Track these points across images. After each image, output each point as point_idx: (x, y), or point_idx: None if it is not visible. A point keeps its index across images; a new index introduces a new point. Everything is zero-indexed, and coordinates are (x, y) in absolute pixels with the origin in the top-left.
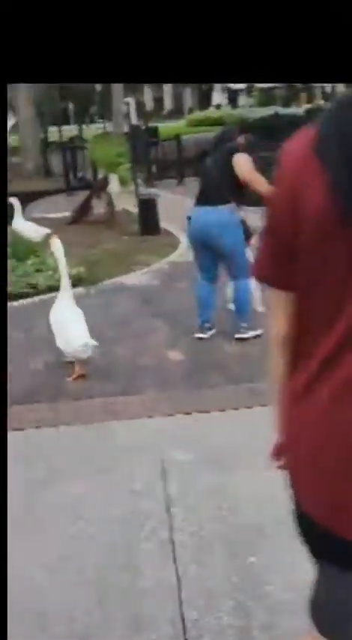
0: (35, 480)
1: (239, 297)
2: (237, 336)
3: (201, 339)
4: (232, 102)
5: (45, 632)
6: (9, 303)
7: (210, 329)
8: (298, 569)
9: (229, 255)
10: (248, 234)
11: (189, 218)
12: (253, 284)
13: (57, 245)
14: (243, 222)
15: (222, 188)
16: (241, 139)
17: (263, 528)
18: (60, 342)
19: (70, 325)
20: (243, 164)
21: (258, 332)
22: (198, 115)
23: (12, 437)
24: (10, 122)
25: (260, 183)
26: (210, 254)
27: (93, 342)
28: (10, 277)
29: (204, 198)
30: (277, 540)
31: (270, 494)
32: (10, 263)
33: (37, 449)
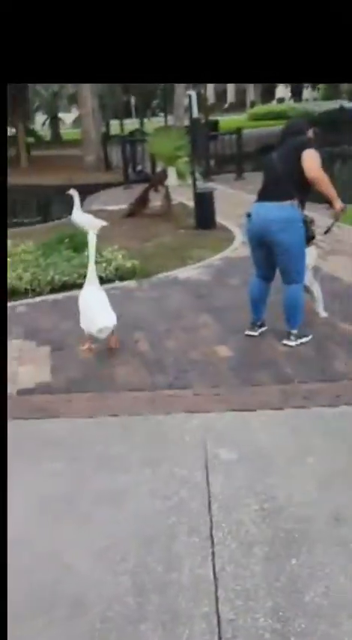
0: (82, 469)
1: (289, 304)
2: (285, 342)
3: (250, 336)
4: (296, 95)
5: (81, 618)
6: (63, 293)
7: (260, 326)
8: (339, 576)
9: (286, 253)
10: (311, 234)
11: (248, 215)
12: (318, 288)
13: (91, 238)
14: (307, 222)
15: (286, 183)
16: (310, 133)
17: (305, 532)
18: (83, 323)
19: (92, 309)
20: (312, 161)
21: (307, 339)
22: (261, 108)
23: (60, 425)
24: (73, 115)
25: (326, 183)
26: (267, 251)
27: (109, 326)
28: (66, 267)
29: (266, 193)
30: (319, 545)
31: (314, 498)
32: (68, 254)
33: (84, 438)
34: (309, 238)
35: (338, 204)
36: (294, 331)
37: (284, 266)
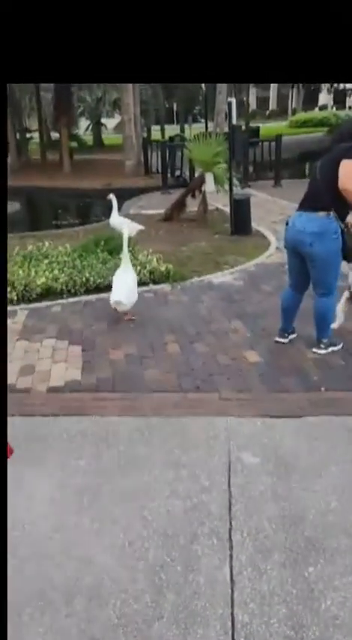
0: (106, 467)
1: (319, 315)
2: (314, 350)
3: (279, 342)
4: (339, 103)
5: (99, 611)
6: (97, 295)
7: (290, 334)
8: None
9: (318, 265)
10: (350, 246)
11: (286, 223)
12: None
13: (125, 233)
14: (344, 233)
15: (324, 193)
16: None
17: (324, 540)
18: (111, 295)
19: (114, 285)
20: (346, 171)
21: (337, 347)
22: (302, 115)
23: (87, 423)
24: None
25: None
26: (301, 262)
27: (120, 301)
28: (101, 270)
29: (305, 203)
30: (338, 554)
31: (334, 507)
32: (103, 256)
33: (110, 437)
34: (349, 250)
35: None
36: (324, 340)
37: (317, 277)
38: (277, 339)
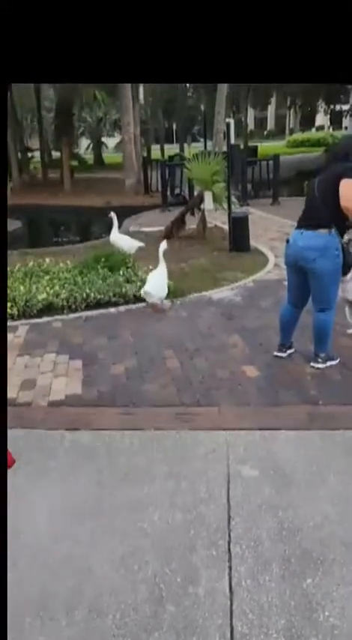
0: (107, 480)
1: (318, 330)
2: (312, 364)
3: (278, 357)
4: (336, 124)
5: (98, 622)
6: (98, 310)
7: (288, 348)
8: None
9: (318, 281)
10: (350, 262)
11: (287, 241)
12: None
13: (163, 246)
14: (344, 249)
15: (323, 211)
16: None
17: (322, 552)
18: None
19: (148, 280)
20: (347, 190)
21: (334, 362)
22: (299, 135)
23: (87, 436)
24: (116, 140)
25: None
26: (301, 278)
27: (149, 292)
28: (101, 286)
29: (305, 221)
30: (336, 566)
31: (332, 519)
32: (104, 273)
33: (110, 450)
34: (349, 265)
35: None
36: (322, 354)
37: (317, 293)
38: (276, 353)
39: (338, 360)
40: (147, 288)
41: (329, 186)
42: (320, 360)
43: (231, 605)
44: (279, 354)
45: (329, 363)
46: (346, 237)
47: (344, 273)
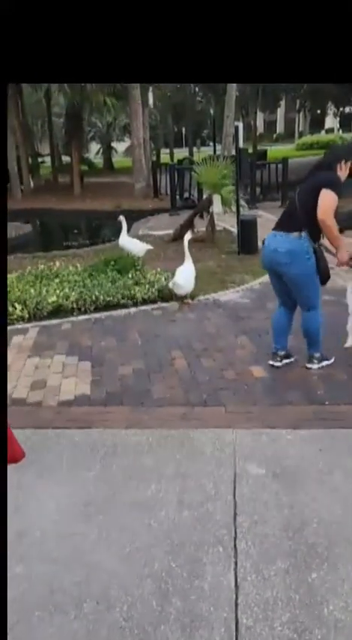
0: (115, 478)
1: (305, 329)
2: (307, 365)
3: (273, 366)
4: (345, 126)
5: (106, 615)
6: (106, 312)
7: (285, 357)
8: None
9: (293, 283)
10: (324, 264)
11: (263, 242)
12: None
13: (187, 237)
14: (317, 252)
15: (299, 216)
16: (342, 167)
17: (328, 548)
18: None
19: (177, 274)
20: (325, 203)
21: (329, 362)
22: (308, 138)
23: (96, 435)
24: (125, 144)
25: (331, 230)
26: (281, 280)
27: (181, 285)
28: (110, 288)
29: (279, 224)
30: (341, 561)
31: (337, 516)
32: (113, 276)
33: (118, 449)
34: (323, 268)
35: (342, 255)
36: (316, 354)
37: (297, 295)
38: (271, 362)
39: (332, 360)
40: (177, 280)
41: (309, 195)
42: (314, 360)
43: (236, 598)
44: (274, 362)
45: (324, 363)
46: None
47: (323, 283)
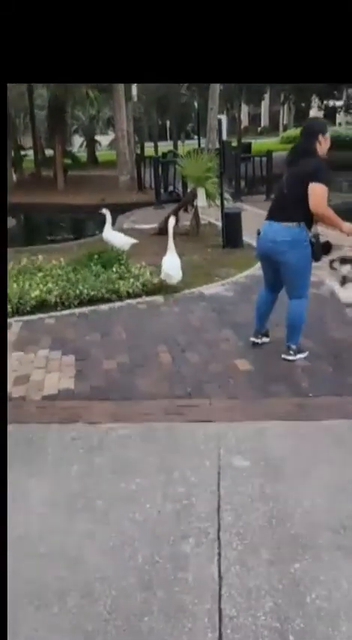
0: (99, 472)
1: (292, 317)
2: (283, 356)
3: (254, 343)
4: (329, 119)
5: (90, 608)
6: (90, 307)
7: (264, 335)
8: (342, 581)
9: (290, 271)
10: (319, 252)
11: (258, 232)
12: None
13: (171, 222)
14: (312, 241)
15: (292, 206)
16: (321, 141)
17: (310, 538)
18: (162, 272)
19: (166, 264)
20: (317, 197)
21: (304, 355)
22: (293, 131)
23: (80, 429)
24: (109, 138)
25: (330, 218)
26: (275, 268)
27: (172, 276)
28: (94, 283)
29: (275, 214)
30: (323, 551)
31: (320, 506)
32: (97, 270)
33: (103, 443)
34: (318, 256)
35: (346, 227)
36: (293, 346)
37: (289, 282)
38: (252, 338)
39: (307, 354)
40: (169, 271)
41: (298, 185)
42: (291, 352)
43: (220, 589)
44: (255, 339)
45: (298, 356)
46: (313, 231)
47: (316, 260)
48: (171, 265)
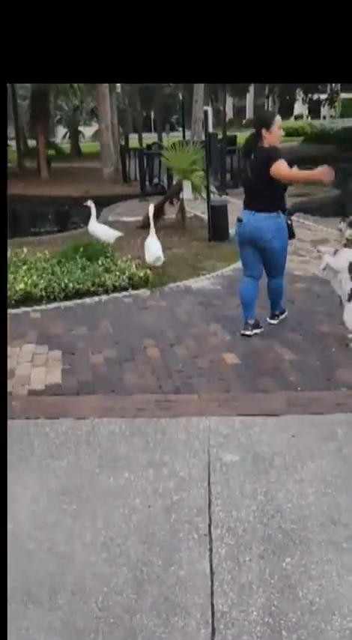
0: (88, 467)
1: (275, 292)
2: (269, 320)
3: (245, 335)
4: (314, 113)
5: (82, 605)
6: (76, 300)
7: (255, 327)
8: (333, 575)
9: (274, 255)
10: (292, 233)
11: (239, 220)
12: None
13: (151, 210)
14: (290, 222)
15: (267, 195)
16: (265, 141)
17: (301, 532)
18: (146, 256)
19: (149, 248)
20: (283, 171)
21: (284, 315)
22: None
23: (67, 425)
24: (93, 129)
25: (307, 176)
26: (257, 254)
27: (160, 257)
28: (80, 276)
29: (254, 204)
30: (315, 545)
31: (310, 501)
32: (82, 262)
33: (91, 438)
34: (292, 234)
35: (319, 173)
36: (277, 312)
37: (273, 264)
38: (243, 331)
39: (286, 313)
40: (158, 253)
41: (261, 172)
42: (276, 317)
43: (212, 585)
44: (245, 332)
45: (281, 317)
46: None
47: (291, 238)
48: (158, 247)
